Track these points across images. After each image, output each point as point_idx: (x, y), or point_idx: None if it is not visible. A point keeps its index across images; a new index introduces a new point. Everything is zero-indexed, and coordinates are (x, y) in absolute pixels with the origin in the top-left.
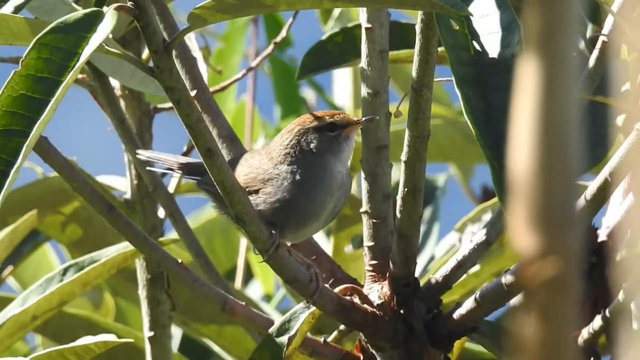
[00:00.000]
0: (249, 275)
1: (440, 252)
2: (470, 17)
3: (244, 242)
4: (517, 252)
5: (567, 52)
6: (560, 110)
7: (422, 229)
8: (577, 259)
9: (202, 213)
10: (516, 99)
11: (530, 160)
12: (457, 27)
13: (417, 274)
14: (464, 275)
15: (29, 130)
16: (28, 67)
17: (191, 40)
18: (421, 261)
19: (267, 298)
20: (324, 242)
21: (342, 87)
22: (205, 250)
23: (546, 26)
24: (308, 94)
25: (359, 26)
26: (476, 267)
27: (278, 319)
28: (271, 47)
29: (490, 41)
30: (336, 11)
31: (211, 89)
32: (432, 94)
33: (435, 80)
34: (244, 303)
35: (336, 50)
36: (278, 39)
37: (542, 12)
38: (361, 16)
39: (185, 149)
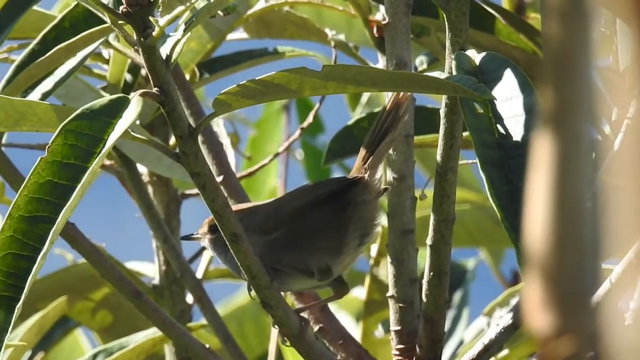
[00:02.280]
0: None
1: (469, 337)
2: (494, 101)
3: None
4: (533, 332)
5: (581, 131)
6: (574, 190)
7: (452, 313)
8: (594, 340)
9: (233, 299)
10: (531, 178)
11: (544, 239)
12: (481, 111)
13: (446, 358)
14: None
15: (56, 216)
16: (54, 153)
17: (219, 126)
18: (451, 345)
19: None
20: (353, 326)
21: None
22: (236, 335)
23: (559, 105)
24: None
25: None
26: (504, 352)
27: None
28: (298, 132)
29: (514, 124)
30: (365, 97)
31: (240, 175)
32: (460, 178)
33: (460, 163)
34: None
35: (363, 135)
36: (305, 124)
37: (556, 91)
38: (386, 100)
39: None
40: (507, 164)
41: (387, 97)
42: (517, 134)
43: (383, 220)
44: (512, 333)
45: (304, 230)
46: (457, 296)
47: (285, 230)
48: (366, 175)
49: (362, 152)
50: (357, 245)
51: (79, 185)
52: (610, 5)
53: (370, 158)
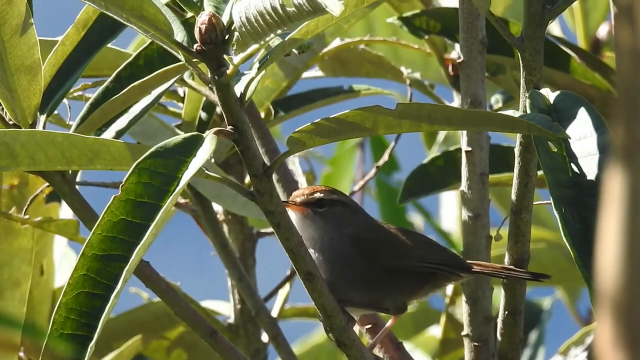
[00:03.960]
0: None
1: None
2: (568, 139)
3: None
4: None
5: None
6: None
7: (528, 352)
8: None
9: (309, 337)
10: (604, 216)
11: (617, 278)
12: (555, 150)
13: None
14: None
15: (129, 255)
16: (128, 191)
17: (295, 165)
18: None
19: None
20: None
21: (449, 211)
22: None
23: (632, 143)
24: (415, 218)
25: (459, 149)
26: None
27: None
28: (373, 170)
29: (588, 163)
30: (441, 135)
31: None
32: (536, 216)
33: (535, 203)
34: None
35: (438, 174)
36: (380, 162)
37: (628, 129)
38: (462, 139)
39: (288, 272)
40: (581, 202)
41: (462, 136)
42: (591, 173)
43: None
44: None
45: (397, 275)
46: (533, 335)
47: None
48: (475, 268)
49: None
50: (429, 292)
51: (153, 224)
52: None
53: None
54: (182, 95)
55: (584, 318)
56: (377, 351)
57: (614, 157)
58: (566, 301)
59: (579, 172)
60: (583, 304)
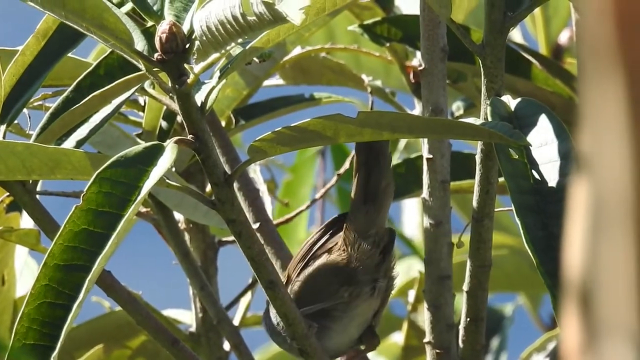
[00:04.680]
0: None
1: None
2: (529, 146)
3: None
4: None
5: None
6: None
7: (490, 358)
8: None
9: (271, 345)
10: (568, 221)
11: (582, 285)
12: (517, 157)
13: None
14: None
15: (91, 265)
16: (89, 201)
17: (256, 173)
18: None
19: None
20: None
21: (412, 218)
22: None
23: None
24: None
25: (421, 157)
26: None
27: None
28: (335, 179)
29: (549, 170)
30: (402, 143)
31: (277, 221)
32: (498, 223)
33: (496, 210)
34: None
35: (400, 181)
36: (342, 170)
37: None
38: (423, 147)
39: (250, 281)
40: (542, 209)
41: (423, 144)
42: (552, 180)
43: (420, 266)
44: None
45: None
46: (495, 341)
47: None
48: None
49: None
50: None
51: (115, 233)
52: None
53: None
54: (142, 104)
55: (545, 324)
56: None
57: (577, 163)
58: (528, 307)
59: (540, 179)
60: (545, 310)
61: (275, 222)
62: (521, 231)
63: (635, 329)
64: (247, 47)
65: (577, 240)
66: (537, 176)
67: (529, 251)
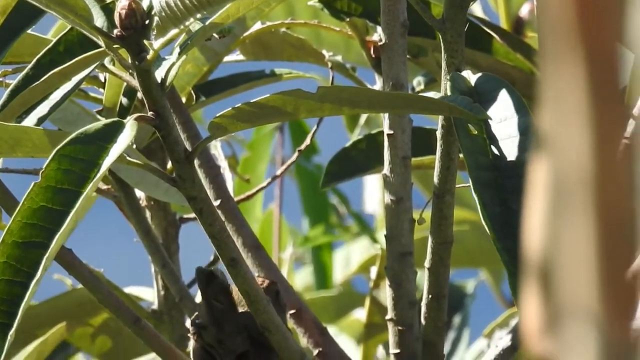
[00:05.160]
0: None
1: (470, 358)
2: (489, 121)
3: None
4: (530, 355)
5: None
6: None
7: (452, 335)
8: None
9: None
10: (527, 199)
11: (542, 260)
12: (476, 132)
13: None
14: None
15: (49, 242)
16: (48, 178)
17: (217, 149)
18: None
19: None
20: (353, 350)
21: (373, 194)
22: None
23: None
24: (337, 201)
25: (382, 132)
26: None
27: None
28: (295, 155)
29: (509, 145)
30: (363, 118)
31: (237, 198)
32: (460, 199)
33: (457, 186)
34: None
35: (360, 157)
36: (302, 147)
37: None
38: (384, 122)
39: (211, 258)
40: (501, 185)
41: (385, 120)
42: (511, 155)
43: (382, 242)
44: (511, 355)
45: None
46: (457, 318)
47: None
48: None
49: None
50: None
51: (73, 211)
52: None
53: None
54: (103, 81)
55: (508, 300)
56: (301, 337)
57: (536, 140)
58: (490, 283)
59: (499, 154)
60: (507, 286)
61: (236, 199)
62: (478, 207)
63: (595, 310)
64: (207, 23)
65: (536, 220)
66: (496, 152)
67: (486, 227)
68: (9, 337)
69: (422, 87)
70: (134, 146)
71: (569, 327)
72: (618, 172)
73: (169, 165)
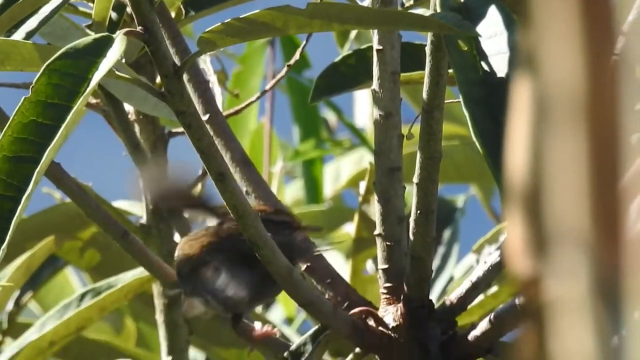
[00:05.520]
0: None
1: (459, 274)
2: (479, 37)
3: None
4: (514, 274)
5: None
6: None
7: (442, 250)
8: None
9: None
10: (512, 115)
11: (525, 179)
12: (466, 48)
13: (436, 296)
14: (482, 297)
15: (40, 156)
16: (38, 93)
17: (206, 64)
18: (440, 282)
19: (289, 321)
20: (342, 264)
21: (363, 108)
22: None
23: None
24: (329, 114)
25: (371, 48)
26: (494, 289)
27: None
28: (285, 69)
29: (499, 61)
30: (353, 33)
31: (226, 113)
32: (449, 113)
33: (446, 101)
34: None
35: (350, 72)
36: (292, 61)
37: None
38: (373, 38)
39: (200, 172)
40: (491, 101)
41: (375, 35)
42: (501, 72)
43: (370, 157)
44: (500, 271)
45: None
46: (447, 233)
47: None
48: None
49: None
50: None
51: (64, 125)
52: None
53: None
54: None
55: (498, 215)
56: None
57: (521, 55)
58: (480, 198)
59: (489, 70)
60: (497, 202)
61: (225, 113)
62: (469, 123)
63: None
64: None
65: (520, 138)
66: (486, 68)
67: (477, 144)
68: (1, 252)
69: (411, 2)
70: (123, 61)
71: (557, 249)
72: (608, 87)
73: (158, 79)
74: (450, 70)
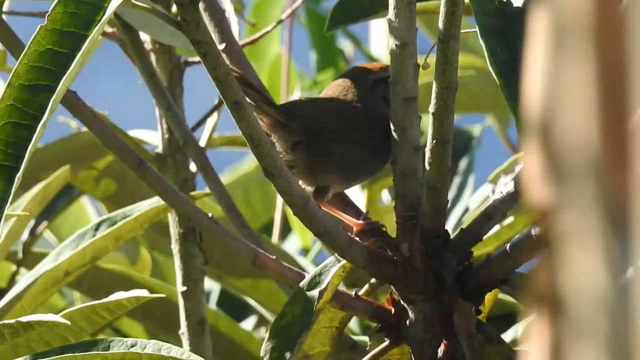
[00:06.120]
0: (287, 229)
1: (474, 204)
2: None
3: None
4: (531, 204)
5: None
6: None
7: (458, 180)
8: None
9: (240, 166)
10: (528, 44)
11: (542, 109)
12: None
13: (452, 226)
14: (497, 227)
15: (56, 85)
16: (54, 21)
17: None
18: (456, 213)
19: (305, 251)
20: (358, 194)
21: (379, 38)
22: (241, 203)
23: None
24: (345, 45)
25: None
26: (510, 219)
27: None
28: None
29: None
30: None
31: (242, 42)
32: (465, 44)
33: (462, 31)
34: (274, 257)
35: (365, 2)
36: None
37: None
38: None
39: (216, 102)
40: (507, 31)
41: None
42: (517, 1)
43: None
44: (515, 201)
45: None
46: (463, 163)
47: None
48: None
49: None
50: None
51: (79, 54)
52: None
53: None
54: None
55: (514, 145)
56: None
57: None
58: (497, 128)
59: (505, 0)
60: (513, 132)
61: (241, 43)
62: (485, 53)
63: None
64: None
65: (537, 66)
66: None
67: (493, 74)
68: (15, 180)
69: None
70: None
71: (568, 177)
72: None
73: (174, 8)
74: (466, 0)
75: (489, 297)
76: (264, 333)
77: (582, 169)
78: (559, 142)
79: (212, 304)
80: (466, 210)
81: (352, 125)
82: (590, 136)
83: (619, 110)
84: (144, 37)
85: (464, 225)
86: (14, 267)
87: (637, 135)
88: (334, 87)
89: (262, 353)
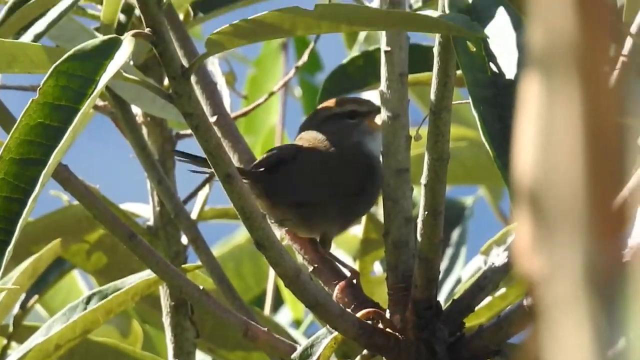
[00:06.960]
0: (279, 301)
1: (466, 275)
2: (487, 39)
3: None
4: (522, 274)
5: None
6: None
7: (450, 251)
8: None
9: (231, 238)
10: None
11: (533, 177)
12: (474, 49)
13: (443, 297)
14: (489, 298)
15: (47, 158)
16: (45, 95)
17: (215, 66)
18: (448, 284)
19: (297, 323)
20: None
21: None
22: (233, 275)
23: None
24: None
25: (379, 49)
26: (502, 290)
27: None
28: (292, 71)
29: (507, 62)
30: (362, 35)
31: (234, 114)
32: (457, 115)
33: (453, 102)
34: (266, 329)
35: (358, 74)
36: (299, 63)
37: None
38: (381, 39)
39: (207, 175)
40: (500, 102)
41: (381, 36)
42: (510, 72)
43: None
44: (507, 272)
45: None
46: (455, 234)
47: None
48: None
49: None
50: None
51: (71, 127)
52: None
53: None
54: None
55: (506, 217)
56: (297, 253)
57: (530, 57)
58: (489, 200)
59: (498, 71)
60: (506, 203)
61: (233, 115)
62: (478, 124)
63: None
64: None
65: (528, 136)
66: (494, 69)
67: (486, 144)
68: (6, 255)
69: (419, 4)
70: (131, 63)
71: (557, 246)
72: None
73: (166, 81)
74: (458, 72)
75: None
76: None
77: (570, 238)
78: (549, 211)
79: None
80: (458, 281)
81: (335, 182)
82: (580, 205)
83: (608, 181)
84: (136, 110)
85: (456, 296)
86: (4, 341)
87: (626, 205)
88: (306, 139)
89: None
